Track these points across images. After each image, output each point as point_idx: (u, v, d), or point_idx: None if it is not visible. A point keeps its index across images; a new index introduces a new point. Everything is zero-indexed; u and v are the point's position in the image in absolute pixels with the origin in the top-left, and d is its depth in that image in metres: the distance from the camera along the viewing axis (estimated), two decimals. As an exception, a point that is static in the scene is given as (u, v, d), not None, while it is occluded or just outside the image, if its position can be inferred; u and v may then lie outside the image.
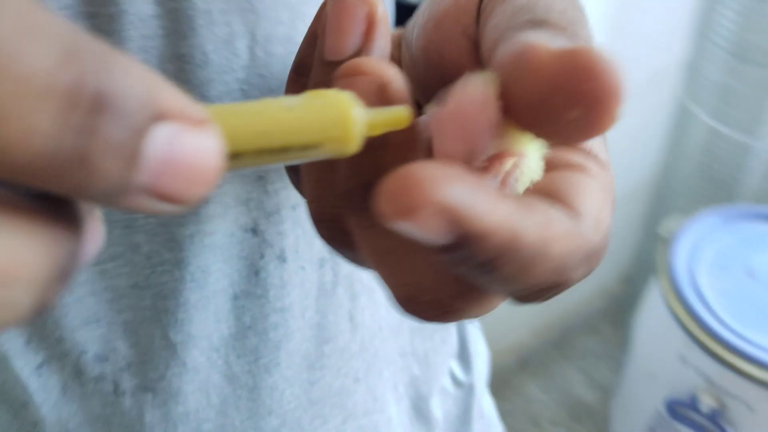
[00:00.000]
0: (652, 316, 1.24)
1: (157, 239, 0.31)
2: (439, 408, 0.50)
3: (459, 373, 0.54)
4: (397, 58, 0.25)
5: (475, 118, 0.14)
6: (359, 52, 0.18)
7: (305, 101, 0.13)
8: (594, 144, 0.19)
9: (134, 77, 0.10)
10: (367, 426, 0.43)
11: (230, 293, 0.34)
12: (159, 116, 0.10)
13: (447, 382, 0.53)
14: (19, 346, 0.31)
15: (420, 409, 0.49)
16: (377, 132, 0.15)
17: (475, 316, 0.17)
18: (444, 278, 0.17)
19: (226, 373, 0.35)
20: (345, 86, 0.16)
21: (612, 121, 0.14)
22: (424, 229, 0.12)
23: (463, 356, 0.55)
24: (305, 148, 0.13)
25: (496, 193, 0.14)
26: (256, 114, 0.13)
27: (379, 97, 0.16)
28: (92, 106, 0.09)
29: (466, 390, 0.54)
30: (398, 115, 0.15)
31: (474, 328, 0.58)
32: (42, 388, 0.33)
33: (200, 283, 0.33)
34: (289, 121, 0.13)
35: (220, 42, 0.28)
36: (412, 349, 0.47)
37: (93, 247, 0.12)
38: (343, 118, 0.13)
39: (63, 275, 0.11)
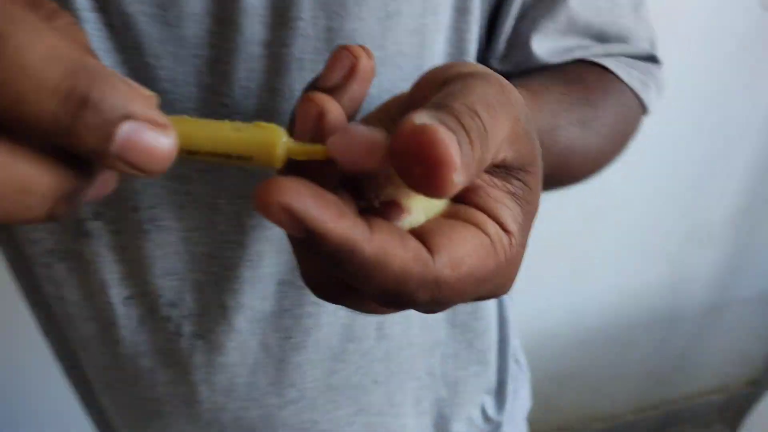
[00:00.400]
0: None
1: (232, 222, 0.39)
2: None
3: (490, 408, 0.57)
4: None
5: (361, 145, 0.20)
6: (336, 88, 0.24)
7: (251, 127, 0.20)
8: (508, 219, 0.23)
9: (115, 91, 0.17)
10: (377, 423, 0.48)
11: (276, 278, 0.41)
12: (128, 116, 0.17)
13: (476, 414, 0.56)
14: (115, 279, 0.41)
15: (441, 429, 0.53)
16: (299, 158, 0.21)
17: (367, 313, 0.22)
18: (326, 274, 0.23)
19: (262, 341, 0.42)
20: (300, 107, 0.23)
21: (447, 182, 0.18)
22: (275, 220, 0.18)
23: (499, 394, 0.57)
24: (241, 158, 0.20)
25: (341, 211, 0.19)
26: (213, 128, 0.20)
27: (317, 121, 0.22)
28: (79, 103, 0.16)
29: (493, 427, 0.57)
30: (317, 150, 0.21)
31: (521, 373, 0.60)
32: (125, 315, 0.42)
33: (255, 264, 0.40)
34: (233, 137, 0.20)
35: (305, 82, 0.36)
36: (441, 372, 0.51)
37: (100, 190, 0.20)
38: (270, 144, 0.20)
39: (68, 199, 0.18)
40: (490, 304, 0.52)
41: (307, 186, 0.19)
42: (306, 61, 0.33)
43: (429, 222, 0.22)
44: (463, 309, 0.50)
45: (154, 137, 0.18)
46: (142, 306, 0.42)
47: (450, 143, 0.18)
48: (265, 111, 0.35)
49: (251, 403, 0.44)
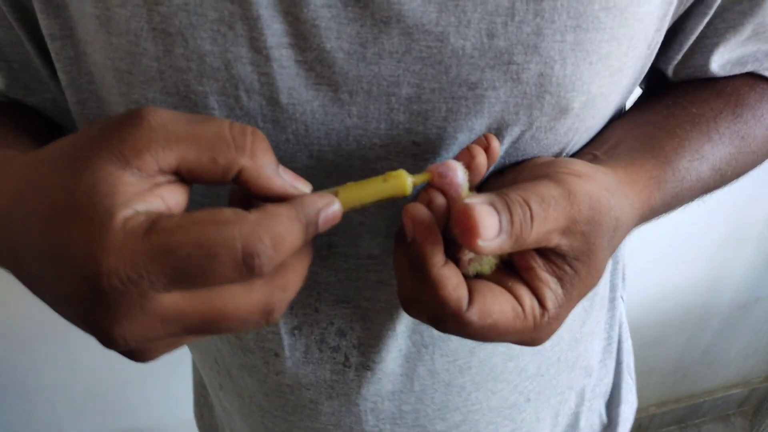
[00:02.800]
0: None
1: None
2: None
3: (604, 415, 0.57)
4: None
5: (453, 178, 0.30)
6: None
7: (386, 175, 0.29)
8: (548, 298, 0.30)
9: (291, 227, 0.24)
10: None
11: None
12: (318, 213, 0.26)
13: (595, 420, 0.56)
14: (287, 308, 0.40)
15: None
16: (416, 183, 0.30)
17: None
18: (414, 294, 0.31)
19: (430, 367, 0.42)
20: (463, 151, 0.32)
21: (473, 244, 0.26)
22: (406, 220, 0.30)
23: (614, 398, 0.57)
24: (385, 194, 0.29)
25: (439, 239, 0.29)
26: (365, 187, 0.29)
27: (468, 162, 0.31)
28: (271, 257, 0.23)
29: (611, 429, 0.57)
30: (426, 177, 0.30)
31: (630, 379, 0.60)
32: (291, 345, 0.41)
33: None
34: (379, 189, 0.29)
35: (503, 124, 0.34)
36: (577, 383, 0.51)
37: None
38: (403, 187, 0.29)
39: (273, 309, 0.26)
40: (614, 313, 0.53)
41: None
42: (510, 104, 0.32)
43: (479, 283, 0.30)
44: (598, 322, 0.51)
45: (333, 214, 0.27)
46: (310, 336, 0.41)
47: (480, 219, 0.26)
48: (459, 149, 0.33)
49: (417, 429, 0.43)
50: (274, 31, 0.30)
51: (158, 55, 0.31)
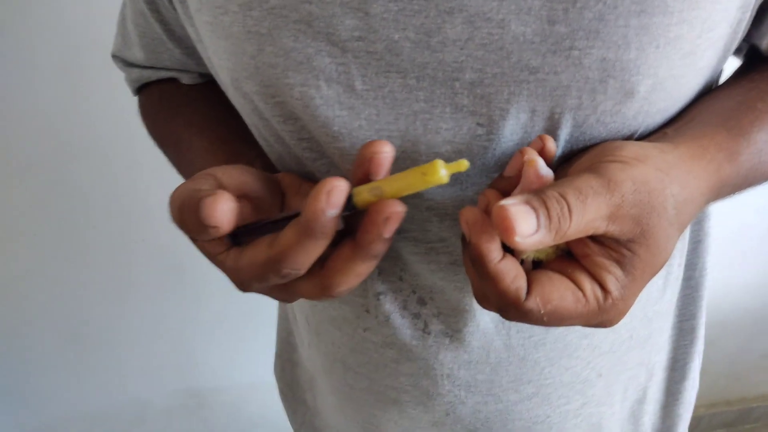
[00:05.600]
0: None
1: None
2: (648, 415, 0.55)
3: (670, 390, 0.57)
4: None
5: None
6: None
7: (422, 167, 0.30)
8: (608, 280, 0.31)
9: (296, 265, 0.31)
10: (595, 414, 0.49)
11: None
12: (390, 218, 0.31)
13: (661, 397, 0.57)
14: (373, 274, 0.43)
15: (636, 412, 0.54)
16: (450, 171, 0.30)
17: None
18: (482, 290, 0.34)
19: (506, 341, 0.44)
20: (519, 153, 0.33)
21: (511, 241, 0.28)
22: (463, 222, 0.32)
23: (677, 376, 0.58)
24: (422, 185, 0.30)
25: (494, 237, 0.31)
26: (406, 177, 0.30)
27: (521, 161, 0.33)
28: (281, 273, 0.31)
29: (672, 400, 0.58)
30: (463, 163, 0.30)
31: (698, 361, 0.59)
32: (376, 309, 0.44)
33: None
34: (420, 180, 0.30)
35: (566, 105, 0.35)
36: (648, 359, 0.52)
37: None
38: (434, 173, 0.29)
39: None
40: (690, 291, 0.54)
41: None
42: (572, 88, 0.33)
43: (539, 272, 0.32)
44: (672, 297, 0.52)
45: (396, 217, 0.31)
46: (394, 302, 0.43)
47: (515, 218, 0.28)
48: (522, 131, 0.35)
49: (491, 398, 0.45)
50: (347, 25, 0.33)
51: (253, 54, 0.35)
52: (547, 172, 0.32)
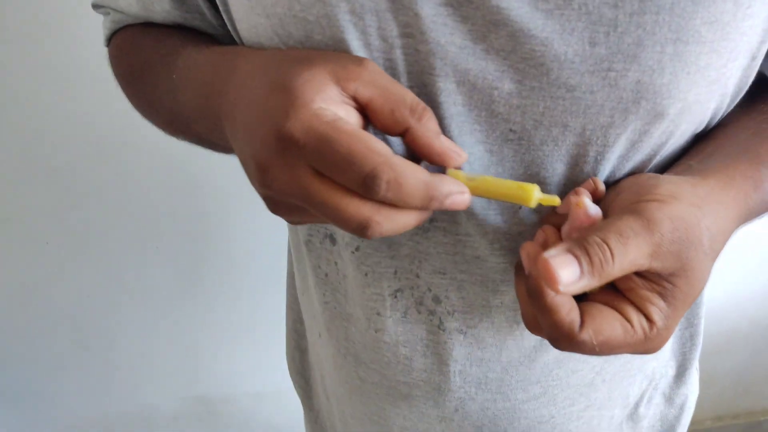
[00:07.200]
0: None
1: (501, 231, 0.42)
2: (647, 419, 0.56)
3: (668, 395, 0.59)
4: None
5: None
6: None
7: (521, 184, 0.34)
8: (653, 312, 0.33)
9: (416, 183, 0.30)
10: (597, 417, 0.50)
11: None
12: (432, 198, 0.31)
13: (660, 402, 0.58)
14: (389, 273, 0.44)
15: (632, 415, 0.55)
16: (545, 204, 0.35)
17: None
18: (532, 317, 0.37)
19: (519, 342, 0.45)
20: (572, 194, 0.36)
21: (556, 290, 0.30)
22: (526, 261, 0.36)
23: (677, 383, 0.59)
24: (510, 199, 0.34)
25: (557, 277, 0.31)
26: (496, 182, 0.34)
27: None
28: (387, 188, 0.30)
29: (674, 408, 0.59)
30: (554, 201, 0.35)
31: (695, 368, 0.61)
32: (392, 306, 0.45)
33: (512, 274, 0.43)
34: (509, 188, 0.34)
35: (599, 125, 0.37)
36: (649, 366, 0.53)
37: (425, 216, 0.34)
38: (528, 195, 0.34)
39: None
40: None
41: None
42: (606, 107, 0.35)
43: (590, 305, 0.34)
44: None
45: (455, 197, 0.32)
46: (410, 299, 0.45)
47: (556, 269, 0.30)
48: (553, 143, 0.37)
49: (500, 396, 0.46)
50: (399, 23, 0.34)
51: (301, 40, 0.36)
52: (595, 212, 0.35)
